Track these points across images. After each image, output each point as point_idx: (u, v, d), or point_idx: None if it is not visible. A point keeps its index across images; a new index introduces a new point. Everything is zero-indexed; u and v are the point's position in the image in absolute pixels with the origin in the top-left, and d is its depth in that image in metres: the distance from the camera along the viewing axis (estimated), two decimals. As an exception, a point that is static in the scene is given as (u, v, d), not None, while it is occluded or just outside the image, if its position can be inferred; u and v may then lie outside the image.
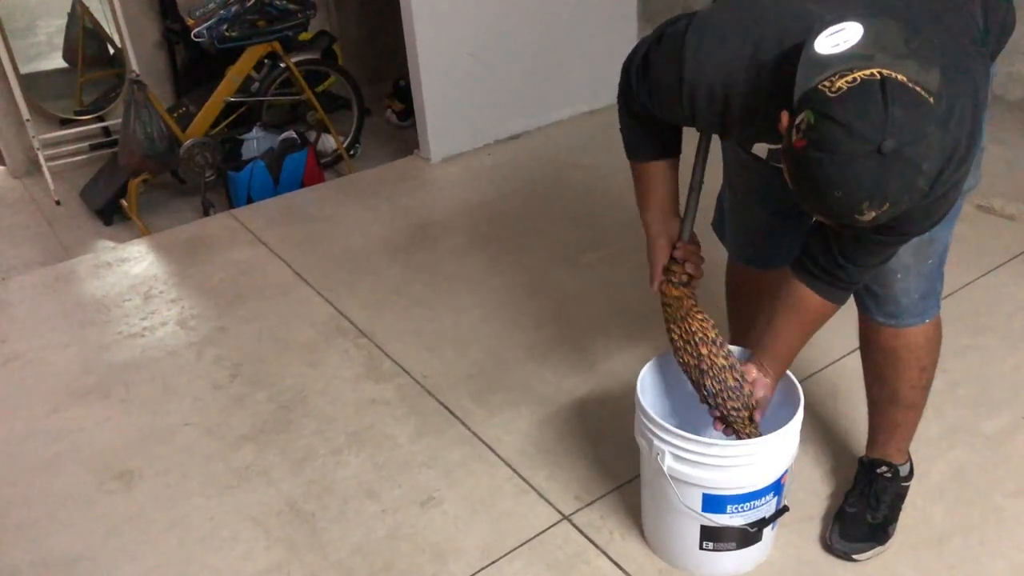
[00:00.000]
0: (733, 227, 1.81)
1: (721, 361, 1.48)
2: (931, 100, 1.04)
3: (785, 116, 1.11)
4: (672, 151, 1.51)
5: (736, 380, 1.48)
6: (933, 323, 1.59)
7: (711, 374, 1.48)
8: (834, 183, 1.05)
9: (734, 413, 1.48)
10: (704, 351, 1.49)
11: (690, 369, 1.52)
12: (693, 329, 1.50)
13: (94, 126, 4.08)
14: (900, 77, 1.03)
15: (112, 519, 1.92)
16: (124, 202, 3.54)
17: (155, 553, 1.83)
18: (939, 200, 1.23)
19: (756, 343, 1.52)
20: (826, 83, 1.05)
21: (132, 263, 2.97)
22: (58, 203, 3.79)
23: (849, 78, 1.04)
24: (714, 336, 1.50)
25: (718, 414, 1.50)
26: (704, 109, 1.28)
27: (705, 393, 1.50)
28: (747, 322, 1.84)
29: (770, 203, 1.68)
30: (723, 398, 1.48)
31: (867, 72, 1.04)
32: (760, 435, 1.50)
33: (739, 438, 1.50)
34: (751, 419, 1.49)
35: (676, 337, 1.53)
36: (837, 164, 1.04)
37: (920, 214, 1.24)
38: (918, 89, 1.04)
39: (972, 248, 2.56)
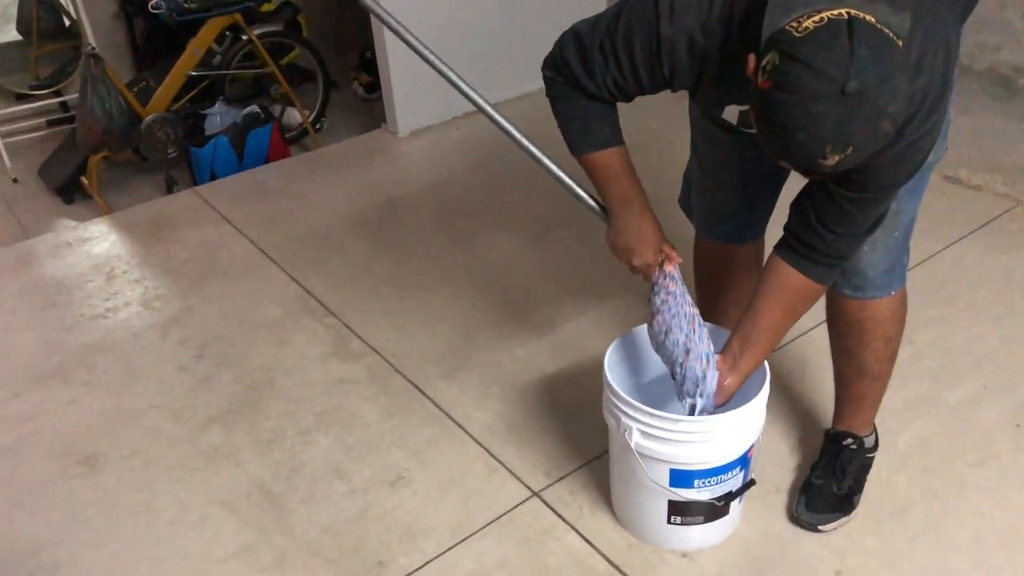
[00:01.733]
0: (701, 203, 1.80)
1: (700, 347, 1.48)
2: (900, 43, 1.03)
3: (752, 59, 1.10)
4: (621, 136, 1.47)
5: (703, 371, 1.48)
6: (899, 295, 1.60)
7: (690, 359, 1.48)
8: (797, 125, 1.04)
9: (687, 392, 1.50)
10: (691, 332, 1.48)
11: (673, 348, 1.49)
12: (685, 313, 1.49)
13: (51, 101, 3.97)
14: (869, 18, 1.02)
15: (77, 504, 1.89)
16: (84, 180, 3.46)
17: (122, 538, 1.81)
18: (910, 149, 1.21)
19: (736, 329, 1.51)
20: (793, 23, 1.04)
21: (94, 243, 2.91)
22: (15, 181, 3.69)
23: (816, 18, 1.02)
24: (700, 320, 1.50)
25: (680, 392, 1.51)
26: (685, 63, 1.26)
27: (677, 372, 1.50)
28: (714, 298, 1.84)
29: (738, 177, 1.67)
30: (688, 381, 1.49)
31: (835, 12, 1.02)
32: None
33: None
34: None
35: (666, 319, 1.49)
36: (800, 105, 1.03)
37: (891, 165, 1.23)
38: (887, 31, 1.02)
39: (938, 219, 2.58)
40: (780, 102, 1.05)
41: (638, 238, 1.48)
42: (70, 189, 3.54)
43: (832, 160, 1.06)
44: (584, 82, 1.37)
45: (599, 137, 1.44)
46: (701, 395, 1.48)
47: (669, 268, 1.49)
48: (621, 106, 1.45)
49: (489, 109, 1.56)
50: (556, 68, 1.40)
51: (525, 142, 1.57)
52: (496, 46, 3.56)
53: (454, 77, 1.56)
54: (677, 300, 1.49)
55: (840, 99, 1.01)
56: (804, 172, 1.14)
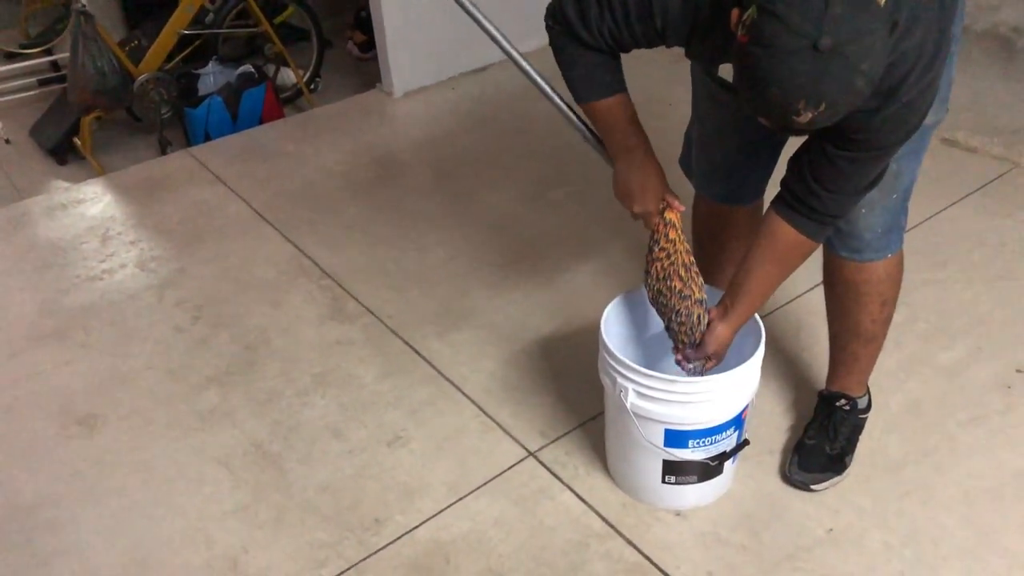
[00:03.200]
0: (701, 162, 1.79)
1: (698, 294, 1.50)
2: (880, 1, 1.02)
3: (735, 13, 1.10)
4: (624, 84, 1.47)
5: (699, 318, 1.50)
6: (896, 258, 1.60)
7: (686, 305, 1.49)
8: (771, 79, 1.04)
9: (683, 344, 1.53)
10: (689, 280, 1.50)
11: (671, 296, 1.51)
12: (683, 261, 1.50)
13: (41, 60, 3.92)
14: None
15: (75, 463, 1.90)
16: (77, 140, 3.43)
17: (120, 496, 1.82)
18: (906, 109, 1.21)
19: (731, 281, 1.52)
20: None
21: (88, 204, 2.89)
22: (7, 142, 3.66)
23: None
24: (696, 270, 1.52)
25: (676, 342, 1.53)
26: (677, 15, 1.26)
27: (672, 320, 1.51)
28: (711, 259, 1.84)
29: (738, 136, 1.66)
30: (684, 330, 1.50)
31: None
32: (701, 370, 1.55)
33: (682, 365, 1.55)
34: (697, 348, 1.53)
35: (664, 266, 1.50)
36: (774, 59, 1.03)
37: (889, 125, 1.23)
38: None
39: (934, 181, 2.56)
40: (755, 56, 1.05)
41: (639, 185, 1.48)
42: (63, 150, 3.51)
43: (805, 117, 1.06)
44: (580, 31, 1.37)
45: (600, 85, 1.44)
46: (696, 343, 1.50)
47: (670, 215, 1.48)
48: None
49: (514, 52, 1.55)
50: (555, 17, 1.40)
51: (544, 85, 1.58)
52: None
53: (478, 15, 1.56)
54: (676, 248, 1.49)
55: (813, 54, 1.01)
56: (781, 129, 1.14)
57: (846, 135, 1.24)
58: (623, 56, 1.44)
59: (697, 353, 1.53)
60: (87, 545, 1.72)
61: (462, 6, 1.56)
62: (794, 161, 1.38)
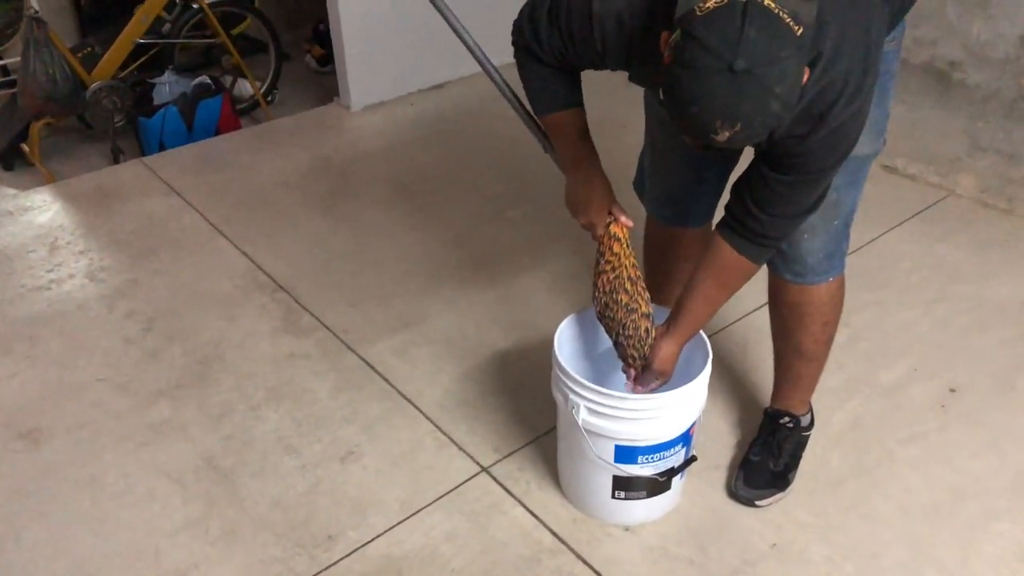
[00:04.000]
0: (653, 185, 1.84)
1: (644, 308, 1.54)
2: (797, 29, 1.08)
3: (664, 36, 1.16)
4: (578, 100, 1.52)
5: (647, 331, 1.54)
6: (837, 281, 1.66)
7: (633, 319, 1.53)
8: (690, 98, 1.10)
9: (631, 358, 1.56)
10: (636, 294, 1.53)
11: (617, 309, 1.54)
12: (629, 275, 1.53)
13: (-10, 64, 3.83)
14: (768, 3, 1.06)
15: (18, 478, 1.87)
16: (25, 147, 3.36)
17: (66, 511, 1.79)
18: (835, 135, 1.26)
19: (677, 300, 1.57)
20: (700, 4, 1.09)
21: (36, 212, 2.84)
22: (-47, 146, 3.56)
23: (722, 0, 1.08)
24: (643, 285, 1.56)
25: (624, 356, 1.57)
26: (613, 41, 1.32)
27: (620, 334, 1.54)
28: (661, 281, 1.89)
29: (687, 161, 1.72)
30: (632, 343, 1.54)
31: None
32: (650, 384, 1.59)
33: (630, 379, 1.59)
34: (644, 368, 1.57)
35: (609, 279, 1.54)
36: (693, 80, 1.09)
37: (820, 150, 1.28)
38: (783, 15, 1.07)
39: (874, 206, 2.66)
40: (677, 76, 1.11)
41: (584, 198, 1.53)
42: (10, 156, 3.44)
43: (723, 135, 1.11)
44: (535, 48, 1.43)
45: (555, 99, 1.50)
46: (643, 356, 1.54)
47: (615, 229, 1.52)
48: None
49: (483, 58, 1.60)
50: (516, 33, 1.46)
51: (508, 94, 1.63)
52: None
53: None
54: (621, 262, 1.52)
55: (729, 76, 1.06)
56: (704, 148, 1.19)
57: (782, 159, 1.30)
58: (585, 75, 1.49)
59: (646, 375, 1.57)
60: (30, 562, 1.69)
61: (435, 5, 1.60)
62: (736, 186, 1.43)
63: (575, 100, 1.51)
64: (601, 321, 1.59)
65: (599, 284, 1.55)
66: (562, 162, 1.57)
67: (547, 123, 1.54)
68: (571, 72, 1.48)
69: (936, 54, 2.80)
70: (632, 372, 1.58)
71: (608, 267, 1.53)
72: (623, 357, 1.58)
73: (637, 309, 1.53)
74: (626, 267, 1.53)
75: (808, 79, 1.15)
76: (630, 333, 1.53)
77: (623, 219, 1.52)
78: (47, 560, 1.69)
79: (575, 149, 1.53)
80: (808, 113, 1.22)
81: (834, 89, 1.21)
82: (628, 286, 1.53)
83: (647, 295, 1.56)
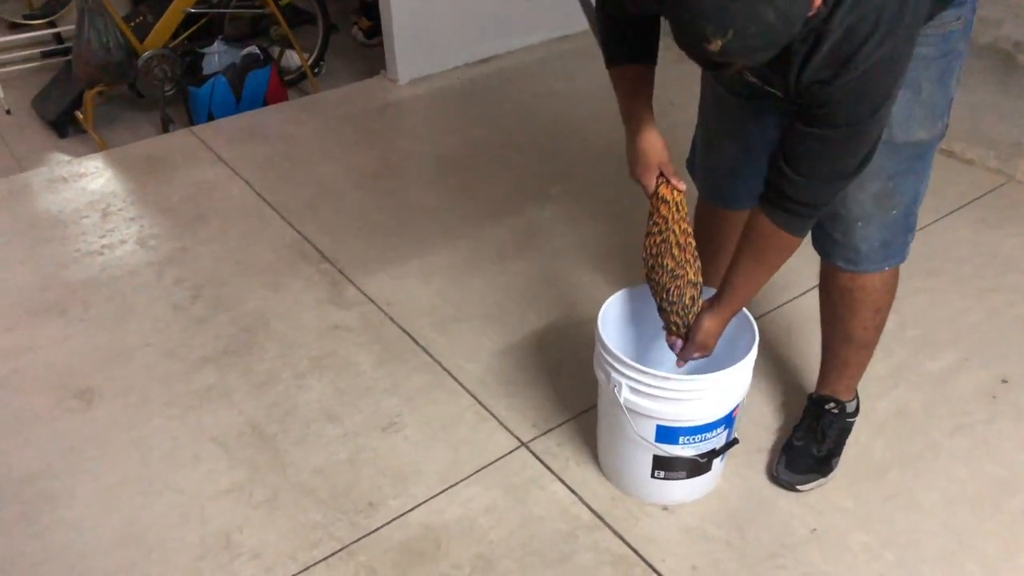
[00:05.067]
0: (702, 163, 1.82)
1: (692, 276, 1.52)
2: None
3: None
4: (647, 57, 1.50)
5: (692, 299, 1.53)
6: (892, 270, 1.62)
7: (678, 284, 1.51)
8: (682, 3, 1.07)
9: (675, 325, 1.55)
10: (684, 261, 1.51)
11: (662, 274, 1.52)
12: (678, 240, 1.50)
13: (45, 32, 3.91)
14: None
15: (72, 437, 1.92)
16: (79, 114, 3.43)
17: (116, 471, 1.84)
18: (863, 80, 1.19)
19: (721, 280, 1.55)
20: None
21: (89, 179, 2.90)
22: (8, 112, 3.65)
23: None
24: (694, 253, 1.53)
25: (667, 323, 1.56)
26: None
27: (664, 299, 1.53)
28: (709, 259, 1.86)
29: (739, 141, 1.69)
30: (675, 310, 1.53)
31: None
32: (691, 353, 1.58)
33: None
34: (686, 337, 1.57)
35: (656, 242, 1.51)
36: None
37: (847, 98, 1.21)
38: None
39: (930, 192, 2.54)
40: None
41: (633, 155, 1.52)
42: (64, 123, 3.51)
43: (715, 45, 1.06)
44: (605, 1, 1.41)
45: (618, 53, 1.50)
46: (686, 325, 1.52)
47: (662, 191, 1.50)
48: None
49: None
50: None
51: None
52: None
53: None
54: (669, 225, 1.49)
55: None
56: (703, 64, 1.14)
57: (811, 109, 1.25)
58: None
59: (687, 348, 1.56)
60: (82, 519, 1.74)
61: None
62: (772, 155, 1.39)
63: (639, 56, 1.48)
64: (648, 282, 1.57)
65: (646, 245, 1.53)
66: (622, 117, 1.54)
67: (612, 76, 1.53)
68: (646, 27, 1.45)
69: (1000, 35, 2.71)
70: (676, 341, 1.58)
71: (655, 229, 1.51)
72: (666, 324, 1.57)
73: (683, 276, 1.50)
74: (675, 232, 1.49)
75: (836, 14, 1.11)
76: (674, 299, 1.52)
77: (674, 181, 1.49)
78: (99, 517, 1.74)
79: (626, 106, 1.52)
80: (835, 54, 1.16)
81: (864, 26, 1.14)
82: (676, 252, 1.50)
83: (697, 264, 1.52)
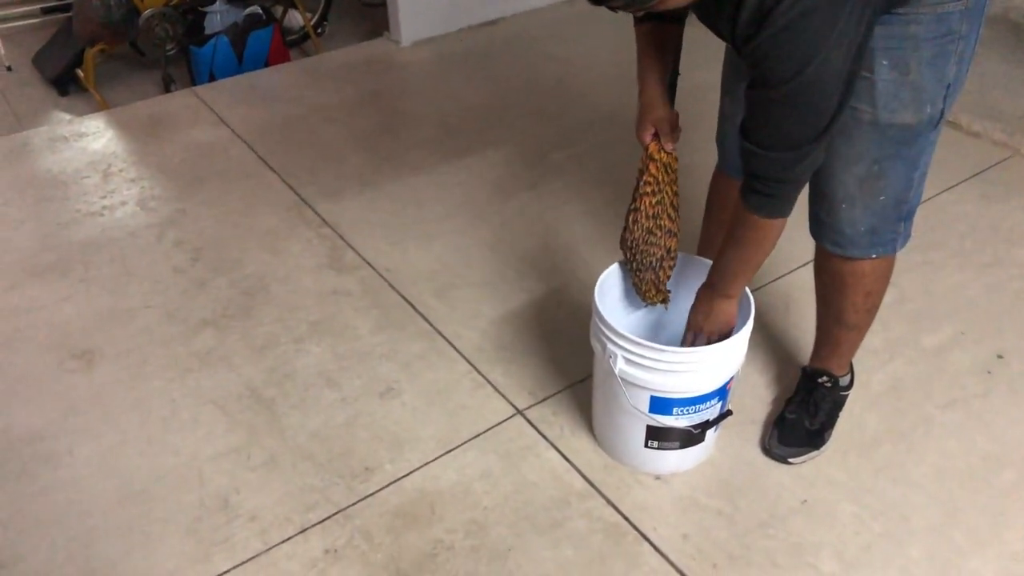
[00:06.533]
0: (719, 130, 1.79)
1: (666, 240, 1.55)
2: None
3: None
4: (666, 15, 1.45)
5: (674, 260, 1.56)
6: (884, 259, 1.58)
7: (675, 242, 1.55)
8: None
9: (653, 287, 1.60)
10: (677, 219, 1.54)
11: (661, 235, 1.54)
12: (672, 201, 1.53)
13: (46, -12, 3.87)
14: None
15: (72, 398, 1.94)
16: (80, 72, 3.41)
17: (116, 432, 1.87)
18: (784, 36, 1.16)
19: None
20: None
21: (90, 138, 2.89)
22: (9, 69, 3.63)
23: None
24: (672, 216, 1.56)
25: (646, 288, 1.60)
26: None
27: (664, 256, 1.57)
28: (715, 231, 1.86)
29: (735, 104, 1.66)
30: (665, 265, 1.58)
31: None
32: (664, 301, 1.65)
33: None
34: (656, 290, 1.62)
35: (655, 201, 1.53)
36: None
37: (772, 53, 1.18)
38: None
39: (933, 164, 2.56)
40: None
41: (638, 111, 1.52)
42: (65, 81, 3.49)
43: None
44: None
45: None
46: (661, 283, 1.56)
47: (652, 149, 1.50)
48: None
49: None
50: None
51: None
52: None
53: None
54: (661, 187, 1.51)
55: None
56: (611, 6, 1.14)
57: (752, 71, 1.23)
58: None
59: (700, 338, 1.60)
60: (82, 478, 1.77)
61: None
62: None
63: (660, 16, 1.46)
64: (630, 249, 1.59)
65: (643, 206, 1.54)
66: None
67: (636, 32, 1.52)
68: None
69: (1011, 5, 2.67)
70: (700, 336, 1.61)
71: (649, 189, 1.52)
72: (646, 288, 1.58)
73: (655, 233, 1.54)
74: (667, 193, 1.51)
75: None
76: (647, 253, 1.55)
77: (663, 140, 1.50)
78: (98, 477, 1.77)
79: (640, 61, 1.52)
80: (759, 9, 1.15)
81: None
82: (672, 212, 1.52)
83: (675, 226, 1.56)
